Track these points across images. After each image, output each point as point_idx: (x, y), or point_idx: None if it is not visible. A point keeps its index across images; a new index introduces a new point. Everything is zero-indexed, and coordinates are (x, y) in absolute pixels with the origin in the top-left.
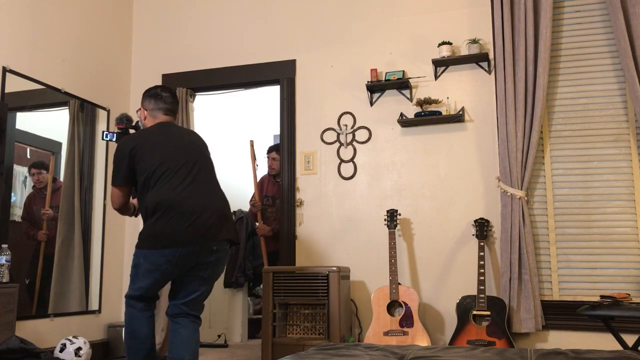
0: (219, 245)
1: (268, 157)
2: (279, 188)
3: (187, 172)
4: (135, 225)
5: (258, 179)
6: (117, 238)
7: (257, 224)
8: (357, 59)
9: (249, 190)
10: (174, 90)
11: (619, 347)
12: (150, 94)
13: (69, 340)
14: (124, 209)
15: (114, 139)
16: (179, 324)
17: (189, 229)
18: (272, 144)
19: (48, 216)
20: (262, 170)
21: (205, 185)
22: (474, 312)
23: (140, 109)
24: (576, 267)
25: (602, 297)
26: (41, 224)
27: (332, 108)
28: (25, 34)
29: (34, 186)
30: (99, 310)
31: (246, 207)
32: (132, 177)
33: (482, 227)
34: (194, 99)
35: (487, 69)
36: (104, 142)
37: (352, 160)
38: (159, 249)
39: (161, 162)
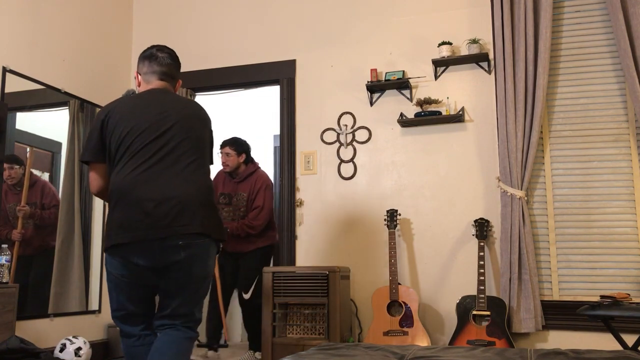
0: (187, 240)
1: (221, 153)
2: (235, 186)
3: (157, 148)
4: None
5: (217, 176)
6: None
7: None
8: (357, 59)
9: None
10: (174, 52)
11: (619, 347)
12: (145, 55)
13: (69, 340)
14: (104, 194)
15: None
16: (161, 335)
17: (144, 221)
18: (272, 144)
19: (25, 213)
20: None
21: (176, 166)
22: (474, 312)
23: (136, 74)
24: (576, 267)
25: (602, 297)
26: (15, 223)
27: (332, 108)
28: (25, 34)
29: (5, 182)
30: (99, 310)
31: None
32: (102, 153)
33: (482, 227)
34: (194, 99)
35: (487, 69)
36: None
37: (352, 160)
38: (114, 247)
39: (126, 135)
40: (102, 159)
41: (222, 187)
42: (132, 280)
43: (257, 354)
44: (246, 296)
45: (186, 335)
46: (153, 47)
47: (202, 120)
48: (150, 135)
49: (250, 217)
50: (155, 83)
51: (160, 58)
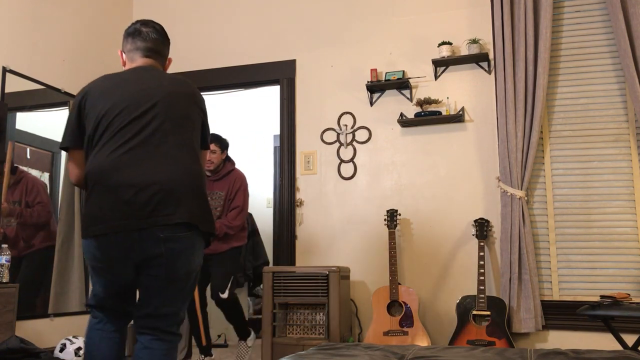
0: (169, 232)
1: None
2: (210, 184)
3: (138, 129)
4: None
5: None
6: None
7: None
8: (357, 59)
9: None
10: (161, 26)
11: (619, 347)
12: (128, 32)
13: (69, 340)
14: (83, 183)
15: None
16: (140, 343)
17: (121, 209)
18: (272, 144)
19: (5, 210)
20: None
21: (160, 149)
22: (474, 312)
23: (120, 53)
24: (576, 267)
25: (602, 297)
26: None
27: (332, 108)
28: (25, 34)
29: None
30: None
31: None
32: (81, 138)
33: (482, 227)
34: None
35: (487, 69)
36: None
37: (352, 160)
38: (90, 238)
39: (104, 115)
40: (81, 144)
41: None
42: (108, 269)
43: (249, 341)
44: (223, 296)
45: (170, 346)
46: (137, 22)
47: (191, 98)
48: (129, 114)
49: (229, 217)
50: (139, 61)
51: (145, 33)
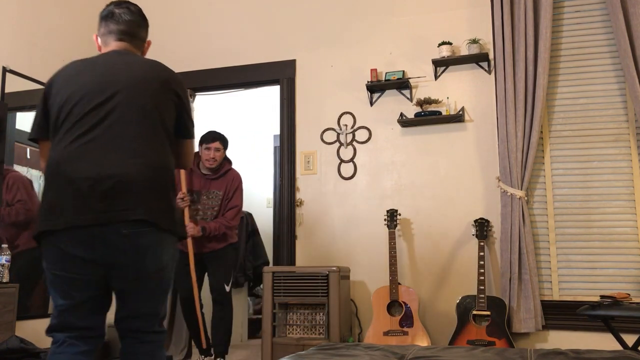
0: (132, 228)
1: (209, 148)
2: (207, 183)
3: (99, 118)
4: None
5: (178, 170)
6: None
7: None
8: (357, 59)
9: (251, 190)
10: (136, 6)
11: (619, 347)
12: (102, 15)
13: None
14: None
15: None
16: (124, 347)
17: (76, 203)
18: (272, 144)
19: None
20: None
21: (121, 139)
22: (474, 312)
23: (95, 37)
24: (576, 267)
25: (602, 297)
26: None
27: (332, 108)
28: (25, 34)
29: None
30: None
31: (247, 208)
32: (48, 128)
33: (482, 227)
34: (194, 99)
35: (487, 69)
36: None
37: (352, 160)
38: (46, 235)
39: (64, 103)
40: (48, 135)
41: (192, 182)
42: (71, 275)
43: None
44: (227, 288)
45: (154, 347)
46: (111, 3)
47: (163, 84)
48: (90, 103)
49: (228, 217)
50: (113, 45)
51: (117, 15)
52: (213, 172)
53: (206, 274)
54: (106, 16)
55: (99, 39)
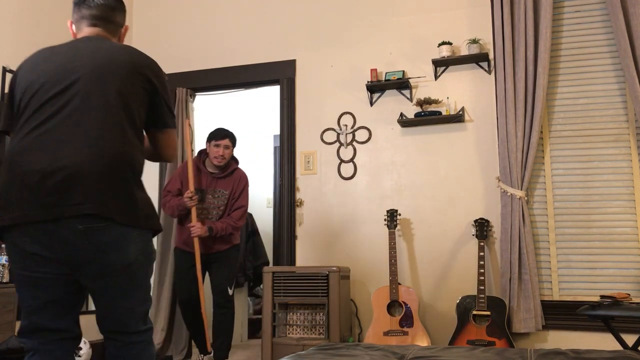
0: (89, 223)
1: (219, 145)
2: (213, 181)
3: (57, 108)
4: None
5: (183, 168)
6: None
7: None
8: (357, 59)
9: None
10: None
11: (619, 347)
12: (75, 0)
13: None
14: None
15: None
16: (108, 351)
17: (26, 197)
18: (272, 144)
19: None
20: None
21: (77, 130)
22: (474, 312)
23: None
24: (576, 267)
25: (602, 297)
26: None
27: (332, 108)
28: (25, 34)
29: None
30: None
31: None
32: (15, 119)
33: (482, 227)
34: (194, 99)
35: (487, 69)
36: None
37: (352, 160)
38: (4, 234)
39: (24, 93)
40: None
41: (198, 181)
42: (32, 273)
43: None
44: (230, 291)
45: (140, 348)
46: None
47: (133, 70)
48: (49, 91)
49: (235, 217)
50: (85, 30)
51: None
52: (220, 170)
53: (207, 275)
54: (79, 1)
55: (73, 26)
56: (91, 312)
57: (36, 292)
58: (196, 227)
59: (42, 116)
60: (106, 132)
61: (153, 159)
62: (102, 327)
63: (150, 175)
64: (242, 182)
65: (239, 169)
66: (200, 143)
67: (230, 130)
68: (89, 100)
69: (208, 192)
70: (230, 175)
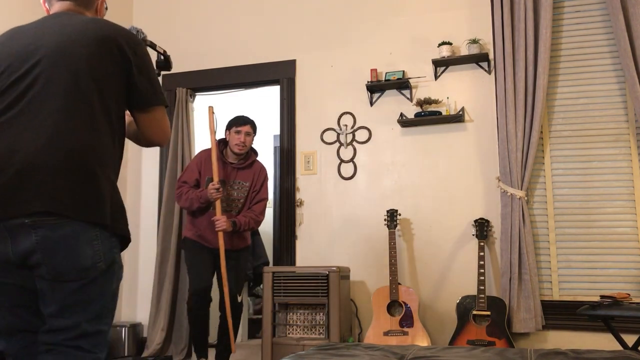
0: (38, 217)
1: (240, 131)
2: (233, 172)
3: (19, 94)
4: (133, 224)
5: (200, 158)
6: None
7: (216, 215)
8: (357, 59)
9: None
10: None
11: (619, 347)
12: None
13: None
14: None
15: None
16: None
17: None
18: (272, 144)
19: None
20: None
21: (36, 119)
22: (474, 312)
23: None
24: (576, 267)
25: (602, 297)
26: None
27: (332, 108)
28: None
29: None
30: None
31: None
32: None
33: (482, 227)
34: (194, 99)
35: (487, 69)
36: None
37: (352, 160)
38: None
39: None
40: None
41: (209, 172)
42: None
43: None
44: (239, 298)
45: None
46: None
47: (102, 43)
48: (11, 75)
49: (257, 210)
50: (56, 6)
51: None
52: (241, 160)
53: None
54: None
55: (46, 3)
56: None
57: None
58: (221, 221)
59: (2, 104)
60: (68, 119)
61: (142, 143)
62: (41, 340)
63: (150, 175)
64: (262, 174)
65: (258, 161)
66: (200, 143)
67: (250, 118)
68: (51, 85)
69: (227, 183)
70: (250, 167)
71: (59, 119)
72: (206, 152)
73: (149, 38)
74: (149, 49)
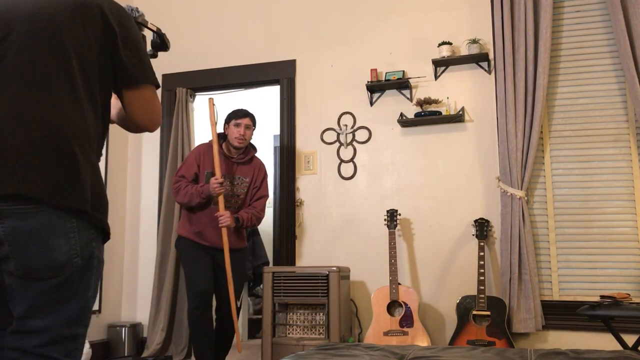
0: (7, 204)
1: (240, 124)
2: (233, 167)
3: None
4: (133, 224)
5: (199, 151)
6: (117, 237)
7: (220, 211)
8: (357, 59)
9: None
10: None
11: (619, 347)
12: None
13: None
14: None
15: None
16: None
17: None
18: (272, 144)
19: None
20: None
21: (10, 92)
22: (474, 312)
23: None
24: (576, 267)
25: (602, 297)
26: None
27: (332, 108)
28: None
29: None
30: (99, 310)
31: None
32: None
33: (482, 227)
34: (194, 99)
35: (487, 69)
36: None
37: (352, 160)
38: None
39: None
40: None
41: (209, 166)
42: None
43: None
44: (238, 303)
45: None
46: None
47: (80, 11)
48: None
49: (258, 207)
50: None
51: None
52: (241, 155)
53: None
54: None
55: None
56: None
57: None
58: (225, 217)
59: None
60: (44, 92)
61: (131, 128)
62: (7, 343)
63: (150, 175)
64: (262, 171)
65: (258, 157)
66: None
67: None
68: (22, 56)
69: (227, 178)
70: (250, 162)
71: (34, 92)
72: (205, 146)
73: (149, 37)
74: (148, 33)
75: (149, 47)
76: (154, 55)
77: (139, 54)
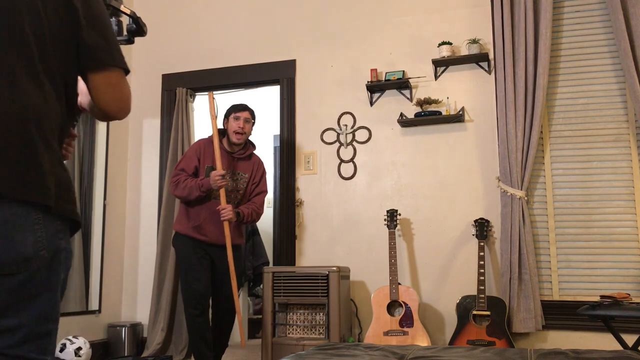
0: None
1: (239, 117)
2: (233, 162)
3: None
4: (133, 224)
5: (199, 145)
6: (117, 237)
7: (221, 205)
8: (357, 59)
9: None
10: None
11: (619, 347)
12: None
13: (69, 340)
14: None
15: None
16: None
17: None
18: (272, 144)
19: None
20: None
21: None
22: (474, 312)
23: None
24: (576, 267)
25: (602, 297)
26: None
27: (332, 108)
28: None
29: None
30: (99, 310)
31: None
32: None
33: (482, 227)
34: (194, 99)
35: (487, 69)
36: (104, 141)
37: (352, 160)
38: None
39: None
40: None
41: (209, 160)
42: None
43: None
44: (238, 301)
45: None
46: None
47: None
48: None
49: (258, 203)
50: None
51: None
52: (240, 150)
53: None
54: None
55: None
56: (91, 312)
57: None
58: (227, 210)
59: None
60: (11, 83)
61: (97, 115)
62: None
63: (150, 175)
64: (261, 167)
65: (256, 154)
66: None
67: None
68: None
69: (228, 173)
70: (249, 159)
71: (5, 81)
72: (205, 140)
73: (149, 38)
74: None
75: (125, 33)
76: (131, 41)
77: (104, 34)
